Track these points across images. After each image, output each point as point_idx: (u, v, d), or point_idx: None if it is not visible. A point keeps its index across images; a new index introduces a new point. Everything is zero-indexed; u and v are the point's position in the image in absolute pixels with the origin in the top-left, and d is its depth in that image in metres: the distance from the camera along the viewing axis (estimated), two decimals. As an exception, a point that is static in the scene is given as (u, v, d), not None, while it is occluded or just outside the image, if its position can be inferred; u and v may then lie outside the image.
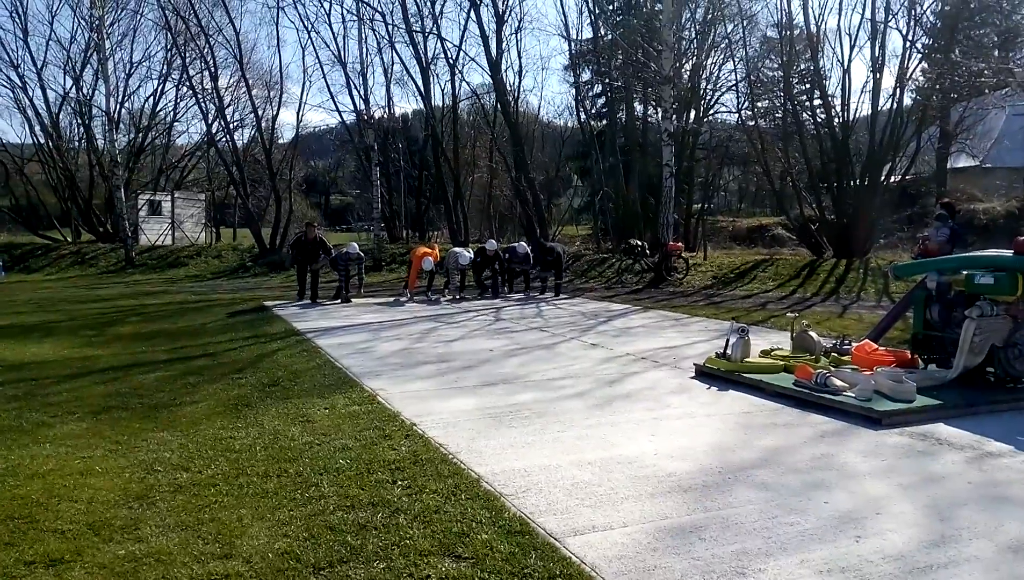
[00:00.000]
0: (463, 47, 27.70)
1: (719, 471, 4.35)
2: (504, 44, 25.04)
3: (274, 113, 40.01)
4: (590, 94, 33.25)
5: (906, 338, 7.50)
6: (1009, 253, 6.11)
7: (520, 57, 56.62)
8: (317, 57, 56.64)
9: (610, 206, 27.50)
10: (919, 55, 22.59)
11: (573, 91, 32.12)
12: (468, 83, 50.48)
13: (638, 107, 30.07)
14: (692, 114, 28.55)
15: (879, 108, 21.07)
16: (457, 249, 15.13)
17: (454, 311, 12.62)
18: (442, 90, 40.57)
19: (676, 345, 8.91)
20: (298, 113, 64.13)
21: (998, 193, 26.97)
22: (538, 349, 8.71)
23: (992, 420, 5.33)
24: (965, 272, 6.35)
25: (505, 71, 26.58)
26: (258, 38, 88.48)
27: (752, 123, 24.84)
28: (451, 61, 26.93)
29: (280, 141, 32.65)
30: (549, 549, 3.33)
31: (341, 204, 51.53)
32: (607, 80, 29.76)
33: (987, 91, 23.75)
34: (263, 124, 27.30)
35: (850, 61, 22.16)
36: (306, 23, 45.68)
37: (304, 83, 66.78)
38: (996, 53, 25.26)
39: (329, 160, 48.82)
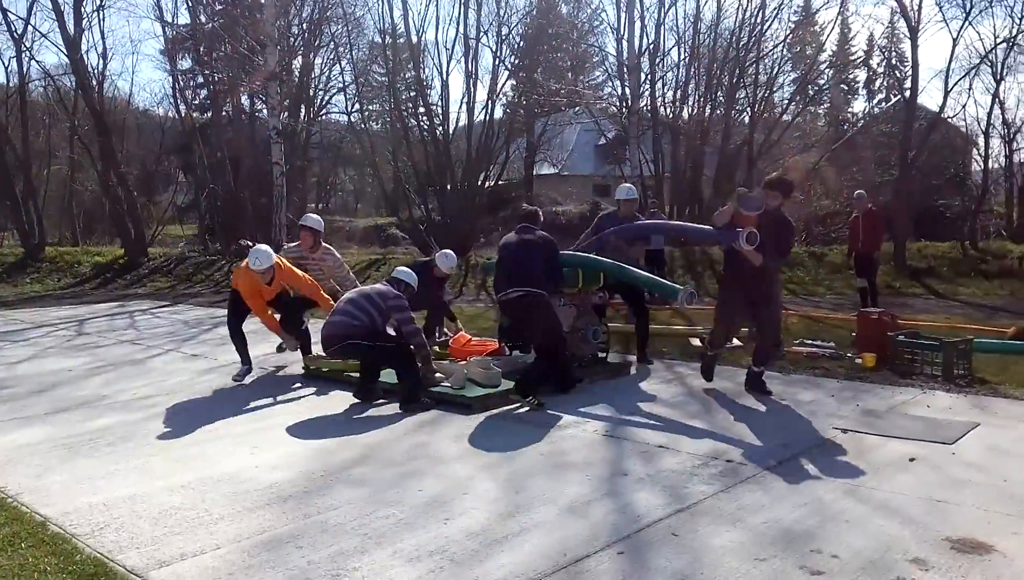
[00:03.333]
0: (32, 21, 23.85)
1: (321, 475, 4.33)
2: (85, 21, 22.12)
3: None
4: (192, 84, 31.02)
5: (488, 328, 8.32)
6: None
7: (104, 38, 50.42)
8: None
9: (218, 205, 25.98)
10: (507, 72, 25.26)
11: (171, 79, 29.67)
12: (40, 62, 43.49)
13: (246, 101, 28.89)
14: (303, 113, 28.29)
15: (475, 118, 23.11)
16: None
17: (23, 326, 10.81)
18: (6, 68, 34.41)
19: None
20: None
21: (572, 197, 31.38)
22: (127, 365, 7.87)
23: (562, 397, 6.11)
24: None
25: (87, 52, 23.52)
26: None
27: (363, 126, 25.46)
28: (16, 35, 23.08)
29: None
30: (128, 588, 3.00)
31: None
32: (209, 71, 28.05)
33: (563, 108, 27.41)
34: None
35: (448, 73, 23.88)
36: None
37: None
38: (569, 76, 29.30)
39: None
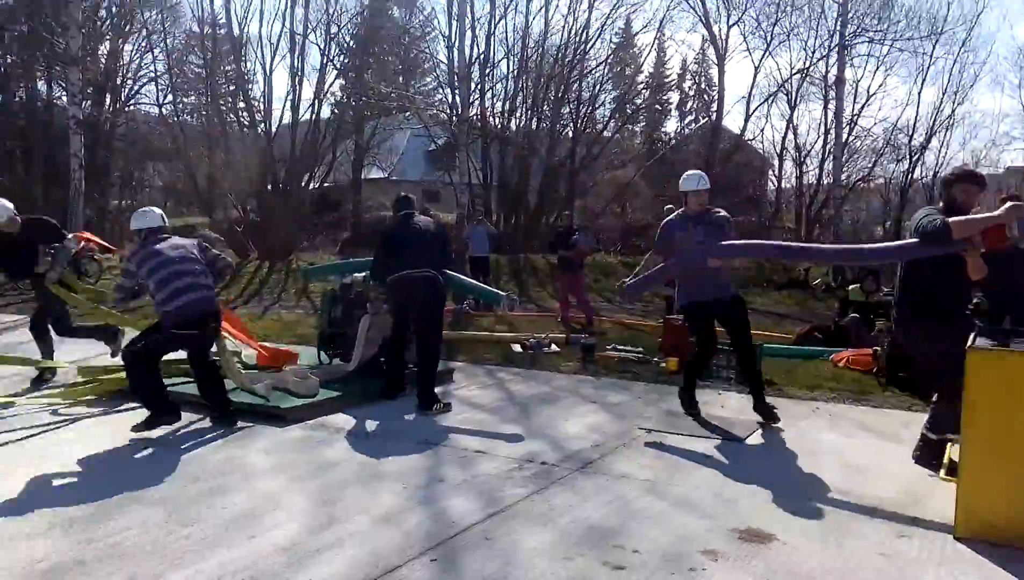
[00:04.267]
0: None
1: (115, 494, 3.99)
2: None
3: None
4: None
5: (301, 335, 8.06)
6: None
7: None
8: None
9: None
10: (336, 71, 24.71)
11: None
12: None
13: (42, 87, 26.26)
14: (108, 102, 26.12)
15: (300, 117, 22.40)
16: None
17: None
18: None
19: (86, 356, 7.96)
20: None
21: (399, 203, 31.05)
22: None
23: (380, 405, 6.02)
24: (361, 275, 7.11)
25: None
26: None
27: (176, 119, 23.91)
28: None
29: None
30: None
31: None
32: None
33: (393, 112, 27.19)
34: None
35: (272, 69, 22.98)
36: None
37: None
38: (400, 80, 29.08)
39: None
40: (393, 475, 4.39)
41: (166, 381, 5.45)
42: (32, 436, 5.10)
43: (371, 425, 5.47)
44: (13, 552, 3.30)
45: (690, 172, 5.87)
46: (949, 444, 4.37)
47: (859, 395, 6.39)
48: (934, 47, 22.34)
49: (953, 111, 22.66)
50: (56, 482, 4.19)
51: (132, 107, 28.46)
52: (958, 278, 4.13)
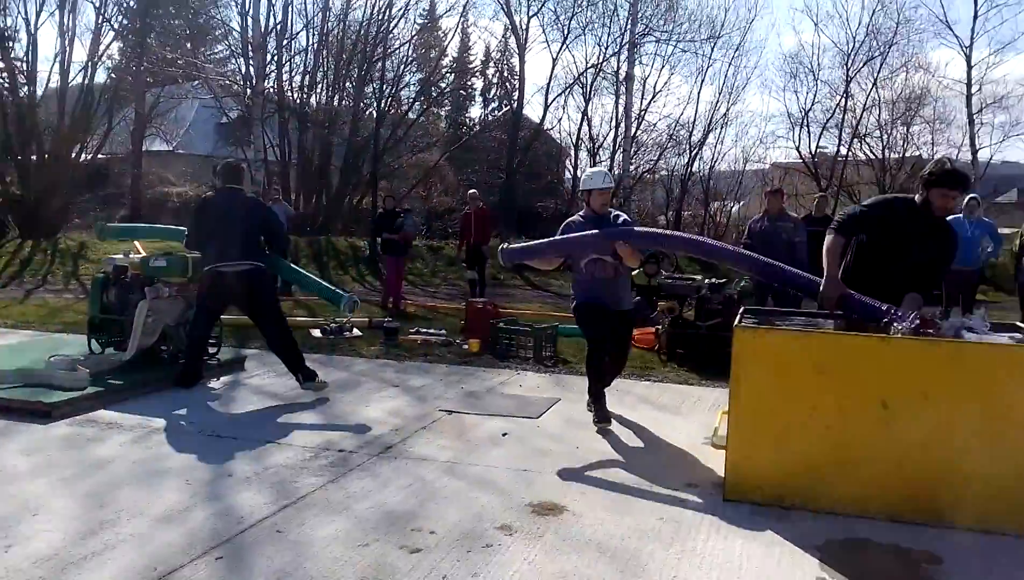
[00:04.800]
0: None
1: None
2: None
3: None
4: None
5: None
6: None
7: None
8: None
9: None
10: (113, 32, 22.48)
11: None
12: None
13: None
14: None
15: (70, 81, 20.17)
16: None
17: None
18: None
19: None
20: None
21: (188, 178, 29.04)
22: None
23: (159, 397, 5.60)
24: (139, 257, 6.54)
25: None
26: None
27: (-87, 74, 20.63)
28: None
29: None
30: None
31: None
32: None
33: (180, 81, 25.17)
34: None
35: (37, 26, 20.38)
36: None
37: None
38: (188, 46, 26.95)
39: None
40: (176, 471, 4.09)
41: None
42: None
43: (150, 419, 5.05)
44: None
45: (594, 169, 5.69)
46: (720, 413, 4.81)
47: (642, 371, 6.85)
48: (712, 49, 24.34)
49: (727, 110, 24.83)
50: None
51: None
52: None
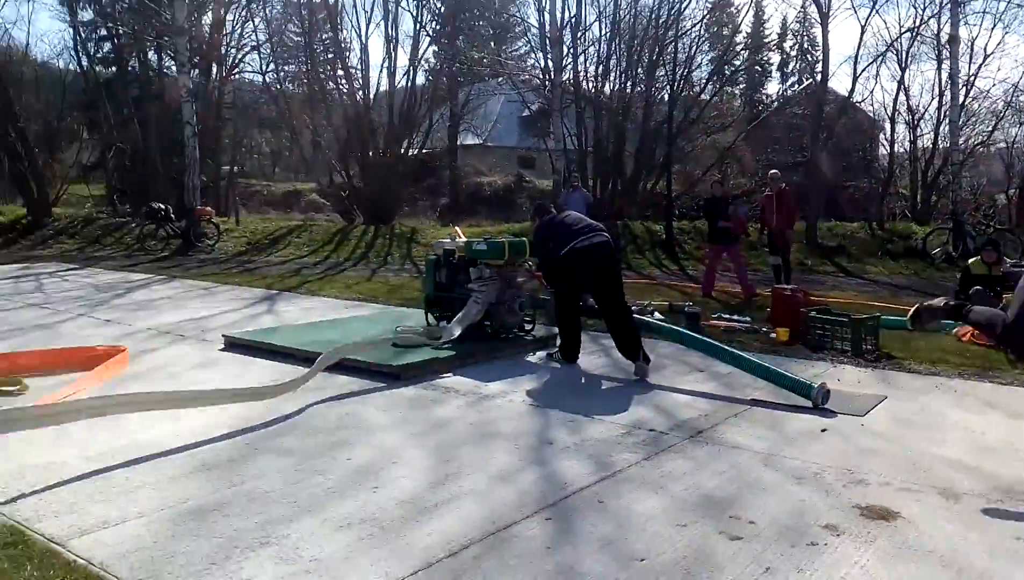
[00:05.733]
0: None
1: (246, 444, 4.24)
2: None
3: None
4: (94, 36, 29.31)
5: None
6: None
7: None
8: None
9: (127, 165, 24.79)
10: (429, 38, 24.88)
11: (71, 31, 27.99)
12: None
13: (153, 57, 27.53)
14: (215, 71, 27.14)
15: (396, 84, 22.71)
16: None
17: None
18: None
19: (204, 316, 8.46)
20: None
21: (497, 168, 31.28)
22: (35, 330, 7.46)
23: (489, 367, 6.15)
24: (464, 242, 7.22)
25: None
26: None
27: (278, 87, 24.64)
28: None
29: None
30: (49, 556, 2.89)
31: None
32: (112, 23, 26.54)
33: (486, 78, 27.20)
34: None
35: (367, 37, 23.30)
36: None
37: None
38: (492, 45, 29.03)
39: None
40: (504, 436, 4.48)
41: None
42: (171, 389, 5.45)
43: (481, 386, 5.58)
44: (163, 492, 3.56)
45: None
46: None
47: (985, 371, 6.06)
48: (1060, 1, 20.53)
49: (1085, 68, 20.85)
50: (192, 432, 4.46)
51: (237, 76, 29.51)
52: None
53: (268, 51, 26.13)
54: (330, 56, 25.52)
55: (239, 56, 28.63)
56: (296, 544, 3.08)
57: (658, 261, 16.61)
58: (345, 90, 22.77)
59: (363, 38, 25.48)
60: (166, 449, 4.12)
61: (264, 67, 28.02)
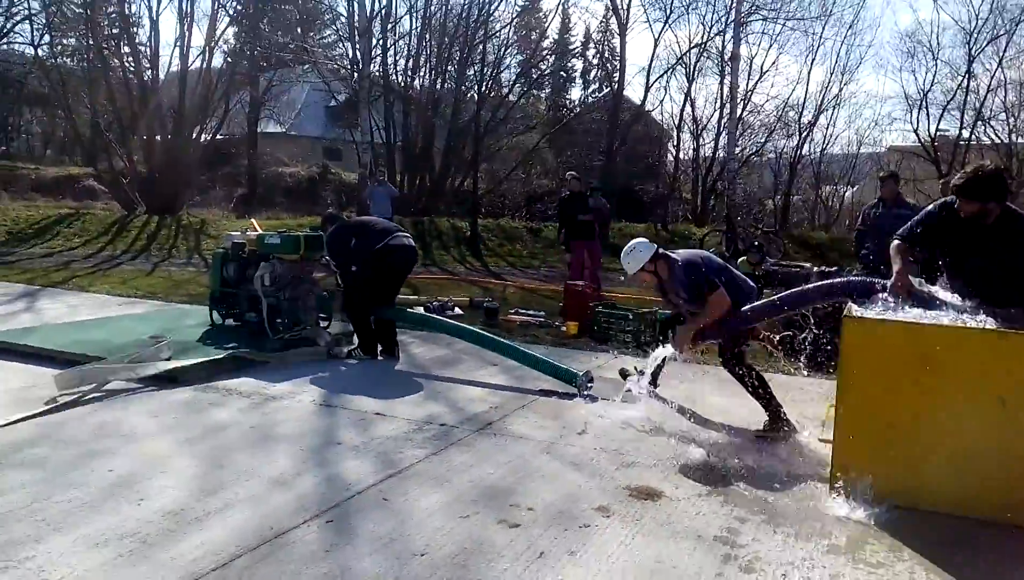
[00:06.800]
0: None
1: (-16, 458, 3.76)
2: None
3: None
4: None
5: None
6: None
7: None
8: None
9: None
10: (229, 18, 23.53)
11: None
12: None
13: None
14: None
15: (189, 65, 21.26)
16: None
17: None
18: None
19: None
20: None
21: (301, 159, 30.18)
22: None
23: (278, 366, 5.90)
24: (258, 234, 6.87)
25: None
26: None
27: (53, 61, 22.23)
28: None
29: None
30: None
31: None
32: None
33: (291, 65, 26.12)
34: None
35: (159, 12, 21.62)
36: None
37: None
38: (299, 31, 27.91)
39: None
40: (288, 438, 4.31)
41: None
42: None
43: (265, 387, 5.34)
44: None
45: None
46: (828, 406, 4.65)
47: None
48: (823, 28, 23.37)
49: (840, 91, 23.82)
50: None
51: (4, 46, 26.23)
52: None
53: (44, 22, 23.50)
54: (115, 31, 23.40)
55: (8, 26, 25.48)
56: (42, 566, 2.78)
57: (462, 257, 16.83)
58: (132, 68, 20.97)
59: (154, 13, 23.43)
60: None
61: (37, 39, 25.17)
